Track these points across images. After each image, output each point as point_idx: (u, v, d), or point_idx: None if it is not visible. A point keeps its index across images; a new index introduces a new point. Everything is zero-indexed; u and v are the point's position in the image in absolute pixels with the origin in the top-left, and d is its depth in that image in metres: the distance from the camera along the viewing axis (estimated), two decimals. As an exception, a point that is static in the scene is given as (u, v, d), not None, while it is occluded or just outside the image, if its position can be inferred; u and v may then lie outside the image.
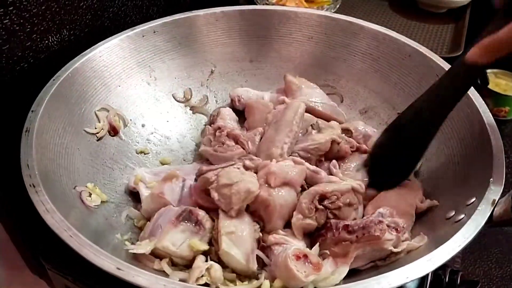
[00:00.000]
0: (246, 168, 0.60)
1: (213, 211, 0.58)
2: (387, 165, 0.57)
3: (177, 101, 0.83)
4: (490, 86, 0.88)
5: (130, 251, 0.53)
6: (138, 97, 0.78)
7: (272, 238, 0.55)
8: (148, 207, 0.62)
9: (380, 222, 0.53)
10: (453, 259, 0.67)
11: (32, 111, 0.60)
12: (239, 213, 0.55)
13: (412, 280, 0.43)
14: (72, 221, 0.49)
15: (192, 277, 0.50)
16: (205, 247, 0.54)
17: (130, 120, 0.76)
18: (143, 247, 0.53)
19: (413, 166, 0.59)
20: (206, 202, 0.59)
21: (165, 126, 0.80)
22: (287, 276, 0.49)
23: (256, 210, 0.55)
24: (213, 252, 0.55)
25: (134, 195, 0.67)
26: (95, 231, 0.56)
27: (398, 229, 0.54)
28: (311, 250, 0.54)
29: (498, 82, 0.92)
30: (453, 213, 0.54)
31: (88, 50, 0.72)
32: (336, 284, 0.50)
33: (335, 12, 1.00)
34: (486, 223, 0.49)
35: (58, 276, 0.59)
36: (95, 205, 0.60)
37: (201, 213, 0.56)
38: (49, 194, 0.51)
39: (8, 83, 0.64)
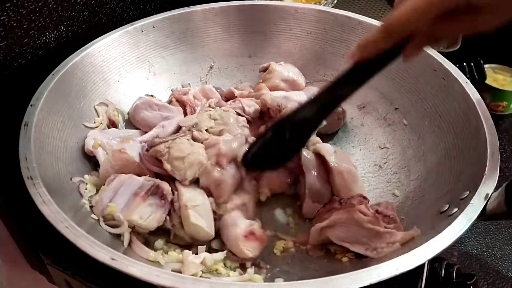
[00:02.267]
0: (194, 139, 0.63)
1: (165, 177, 0.62)
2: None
3: (176, 96, 0.83)
4: (488, 81, 0.88)
5: (109, 231, 0.55)
6: (137, 92, 0.79)
7: (229, 205, 0.60)
8: (109, 165, 0.62)
9: (365, 198, 0.58)
10: (450, 253, 0.68)
11: (31, 105, 0.61)
12: (191, 181, 0.60)
13: (401, 272, 0.43)
14: (69, 212, 0.50)
15: (188, 272, 0.51)
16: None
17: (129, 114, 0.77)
18: (120, 229, 0.55)
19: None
20: (158, 170, 0.62)
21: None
22: (239, 253, 0.56)
23: (207, 187, 0.60)
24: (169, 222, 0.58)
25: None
26: (92, 223, 0.56)
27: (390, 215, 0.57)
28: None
29: (496, 77, 0.91)
30: (447, 207, 0.54)
31: (88, 45, 0.73)
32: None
33: (333, 7, 0.99)
34: (479, 216, 0.49)
35: (57, 271, 0.59)
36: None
37: (166, 187, 0.59)
38: (47, 186, 0.52)
39: (6, 79, 0.65)
